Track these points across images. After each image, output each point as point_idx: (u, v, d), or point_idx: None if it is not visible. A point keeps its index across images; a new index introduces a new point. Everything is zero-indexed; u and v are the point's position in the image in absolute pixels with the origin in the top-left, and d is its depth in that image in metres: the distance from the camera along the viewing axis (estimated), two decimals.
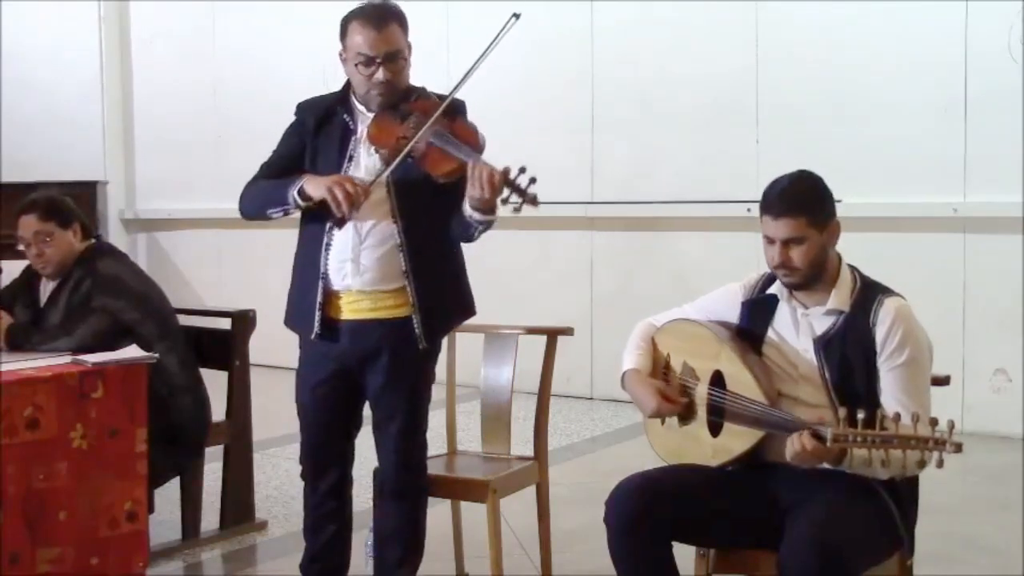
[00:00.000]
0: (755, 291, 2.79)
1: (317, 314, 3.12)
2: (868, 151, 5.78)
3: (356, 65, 3.03)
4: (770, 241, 2.61)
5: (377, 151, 3.02)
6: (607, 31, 6.70)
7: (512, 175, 2.81)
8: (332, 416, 3.24)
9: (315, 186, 2.97)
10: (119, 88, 9.09)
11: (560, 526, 3.78)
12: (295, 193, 3.01)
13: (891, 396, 2.53)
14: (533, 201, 2.79)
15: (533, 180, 2.80)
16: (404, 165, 3.00)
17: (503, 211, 2.90)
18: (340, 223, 2.99)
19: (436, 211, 3.02)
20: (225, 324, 4.28)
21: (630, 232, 6.74)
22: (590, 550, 3.77)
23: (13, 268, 4.18)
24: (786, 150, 5.91)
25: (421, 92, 3.08)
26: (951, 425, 2.29)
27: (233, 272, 8.35)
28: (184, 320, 4.09)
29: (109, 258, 3.89)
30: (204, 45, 8.56)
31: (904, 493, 2.60)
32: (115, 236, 8.67)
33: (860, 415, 2.34)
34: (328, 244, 3.09)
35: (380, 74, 3.00)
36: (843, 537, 2.40)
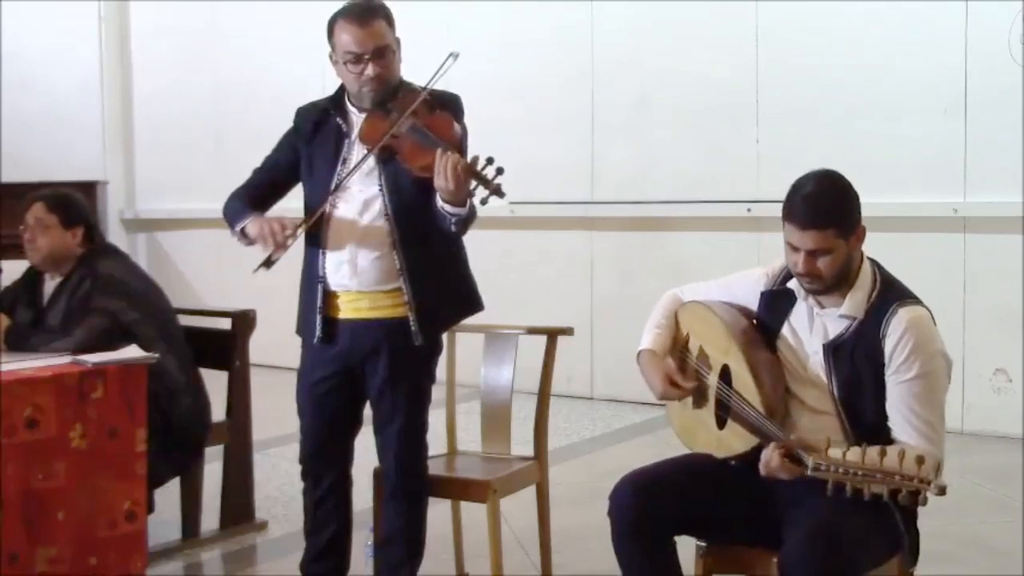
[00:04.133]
0: (777, 281, 2.73)
1: (318, 317, 3.13)
2: (868, 151, 5.77)
3: (345, 64, 3.04)
4: (794, 248, 2.54)
5: (368, 150, 3.03)
6: (607, 31, 6.70)
7: (479, 165, 2.79)
8: (332, 416, 3.24)
9: (252, 226, 3.09)
10: (119, 88, 9.09)
11: (560, 526, 3.77)
12: (239, 228, 3.14)
13: (897, 412, 2.49)
14: (498, 192, 2.77)
15: (500, 171, 2.78)
16: (394, 165, 3.00)
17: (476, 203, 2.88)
18: (267, 263, 3.02)
19: (429, 210, 3.01)
20: (225, 324, 4.28)
21: (630, 232, 6.74)
22: (590, 550, 3.77)
23: (14, 268, 4.18)
24: (786, 150, 5.91)
25: (409, 88, 3.07)
26: (937, 465, 2.23)
27: (233, 272, 8.33)
28: (184, 320, 4.09)
29: (110, 258, 3.90)
30: (204, 45, 8.56)
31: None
32: (115, 236, 8.65)
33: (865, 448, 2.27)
34: (325, 248, 3.11)
35: (370, 70, 3.00)
36: (843, 536, 2.39)
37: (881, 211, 5.67)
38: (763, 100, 6.18)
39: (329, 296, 3.14)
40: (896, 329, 2.48)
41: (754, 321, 2.75)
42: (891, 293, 2.56)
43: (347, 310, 3.13)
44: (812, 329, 2.63)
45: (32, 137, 8.65)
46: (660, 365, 2.77)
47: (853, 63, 5.87)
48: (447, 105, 3.05)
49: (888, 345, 2.49)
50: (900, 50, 5.74)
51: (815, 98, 5.99)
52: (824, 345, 2.59)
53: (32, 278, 3.96)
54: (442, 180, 2.81)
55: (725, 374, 2.69)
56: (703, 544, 2.70)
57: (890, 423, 2.49)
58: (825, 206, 2.51)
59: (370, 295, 3.10)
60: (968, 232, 5.63)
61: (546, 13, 6.84)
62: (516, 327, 3.56)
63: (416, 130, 2.94)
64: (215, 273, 8.52)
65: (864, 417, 2.51)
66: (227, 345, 4.24)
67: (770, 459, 2.41)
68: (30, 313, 3.87)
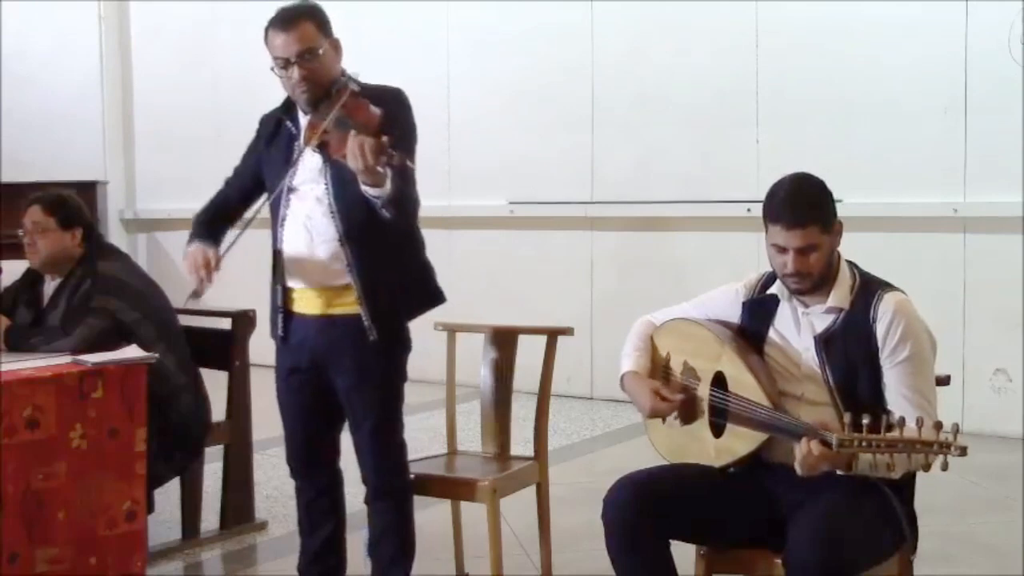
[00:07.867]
0: (755, 291, 2.78)
1: (279, 316, 3.18)
2: (868, 151, 5.78)
3: (274, 69, 3.04)
4: (781, 250, 2.59)
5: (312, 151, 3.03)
6: (607, 30, 6.70)
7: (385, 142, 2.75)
8: (311, 408, 3.24)
9: (186, 258, 3.31)
10: (119, 87, 9.09)
11: (560, 526, 3.78)
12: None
13: (896, 392, 2.53)
14: (403, 164, 2.78)
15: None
16: (338, 160, 2.96)
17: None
18: (194, 295, 3.20)
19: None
20: (225, 324, 4.28)
21: (630, 232, 6.74)
22: (590, 550, 3.77)
23: (14, 268, 4.18)
24: (786, 150, 5.91)
25: (339, 83, 3.02)
26: (955, 428, 2.27)
27: (233, 272, 8.32)
28: (184, 320, 4.08)
29: (110, 259, 3.90)
30: (204, 45, 8.56)
31: (906, 490, 2.61)
32: (115, 236, 8.66)
33: (865, 420, 2.30)
34: (281, 248, 3.14)
35: (295, 73, 2.99)
36: (847, 532, 2.40)
37: (881, 211, 5.69)
38: (763, 100, 6.18)
39: (288, 292, 3.17)
40: (886, 313, 2.56)
41: (738, 330, 2.77)
42: (872, 283, 2.65)
43: (308, 306, 3.13)
44: (800, 329, 2.67)
45: (32, 137, 8.65)
46: (645, 383, 2.79)
47: (853, 64, 5.87)
48: (379, 100, 2.98)
49: (880, 329, 2.56)
50: (900, 50, 5.74)
51: (815, 98, 5.99)
52: (815, 338, 2.63)
53: (32, 278, 3.96)
54: (352, 159, 2.77)
55: (718, 382, 2.70)
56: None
57: (888, 404, 2.53)
58: (808, 203, 2.59)
59: (327, 292, 3.10)
60: (968, 232, 5.63)
61: (546, 12, 6.84)
62: (516, 327, 3.56)
63: (340, 121, 2.89)
64: (215, 273, 8.51)
65: (860, 402, 2.52)
66: (227, 345, 4.25)
67: (809, 451, 2.37)
68: (30, 313, 3.88)
